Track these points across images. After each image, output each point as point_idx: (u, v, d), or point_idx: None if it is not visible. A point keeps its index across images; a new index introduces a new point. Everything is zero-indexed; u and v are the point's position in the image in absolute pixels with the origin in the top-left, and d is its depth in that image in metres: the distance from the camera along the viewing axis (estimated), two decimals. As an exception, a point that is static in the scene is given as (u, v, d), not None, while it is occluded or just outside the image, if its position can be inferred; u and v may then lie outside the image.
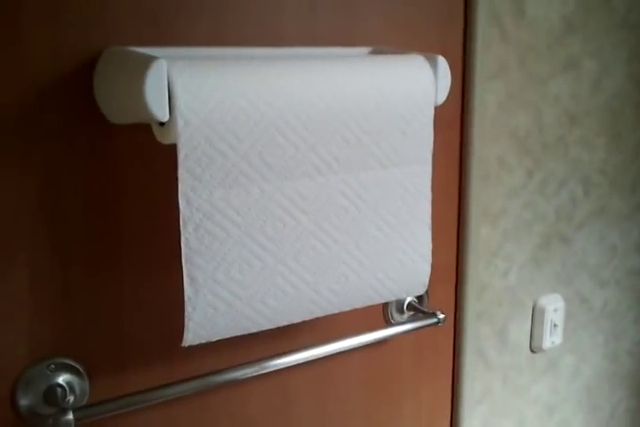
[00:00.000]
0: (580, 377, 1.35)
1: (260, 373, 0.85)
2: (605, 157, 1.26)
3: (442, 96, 0.83)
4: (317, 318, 0.94)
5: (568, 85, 1.16)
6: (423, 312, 1.01)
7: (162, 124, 0.67)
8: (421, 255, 0.85)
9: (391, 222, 0.81)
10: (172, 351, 0.84)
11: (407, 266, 0.83)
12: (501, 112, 1.09)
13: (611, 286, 1.35)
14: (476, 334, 1.15)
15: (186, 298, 0.69)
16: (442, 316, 0.99)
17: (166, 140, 0.68)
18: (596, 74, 1.20)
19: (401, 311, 1.03)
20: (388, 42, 0.94)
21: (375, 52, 0.88)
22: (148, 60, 0.64)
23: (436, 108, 0.83)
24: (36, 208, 0.74)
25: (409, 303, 1.03)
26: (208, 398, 0.88)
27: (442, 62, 0.81)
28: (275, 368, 0.86)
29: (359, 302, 0.82)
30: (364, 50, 0.89)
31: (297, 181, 0.73)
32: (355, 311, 0.97)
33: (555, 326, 1.24)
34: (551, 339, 1.24)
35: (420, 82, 0.79)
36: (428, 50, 0.98)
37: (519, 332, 1.22)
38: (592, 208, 1.27)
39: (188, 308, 0.70)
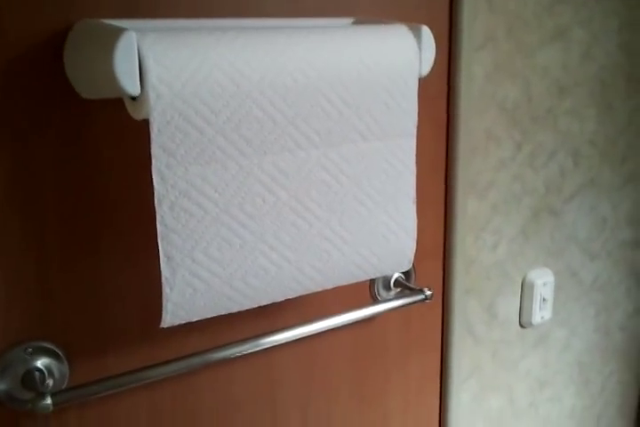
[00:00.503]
0: (570, 351, 1.35)
1: (245, 353, 0.84)
2: (595, 129, 1.24)
3: (426, 67, 0.81)
4: (302, 296, 0.93)
5: (557, 56, 1.14)
6: (410, 289, 1.00)
7: (134, 98, 0.65)
8: (406, 231, 0.83)
9: (375, 197, 0.79)
10: (153, 333, 0.83)
11: (391, 242, 0.82)
12: (489, 84, 1.06)
13: (602, 258, 1.34)
14: (465, 309, 1.14)
15: (163, 278, 0.68)
16: (429, 292, 0.98)
17: (139, 116, 0.66)
18: (586, 43, 1.18)
19: (388, 288, 1.02)
20: (372, 13, 0.92)
21: (358, 23, 0.85)
22: (117, 33, 0.62)
23: (422, 80, 0.81)
24: (7, 191, 0.72)
25: (396, 280, 1.02)
26: (192, 379, 0.87)
27: (426, 32, 0.79)
28: (260, 348, 0.85)
29: (343, 280, 0.80)
30: (347, 20, 0.86)
31: (276, 156, 0.71)
32: (341, 288, 0.96)
33: (544, 300, 1.23)
34: (541, 313, 1.23)
35: (403, 53, 0.77)
36: (414, 20, 0.95)
37: (508, 306, 1.21)
38: (582, 180, 1.25)
39: (166, 288, 0.68)
